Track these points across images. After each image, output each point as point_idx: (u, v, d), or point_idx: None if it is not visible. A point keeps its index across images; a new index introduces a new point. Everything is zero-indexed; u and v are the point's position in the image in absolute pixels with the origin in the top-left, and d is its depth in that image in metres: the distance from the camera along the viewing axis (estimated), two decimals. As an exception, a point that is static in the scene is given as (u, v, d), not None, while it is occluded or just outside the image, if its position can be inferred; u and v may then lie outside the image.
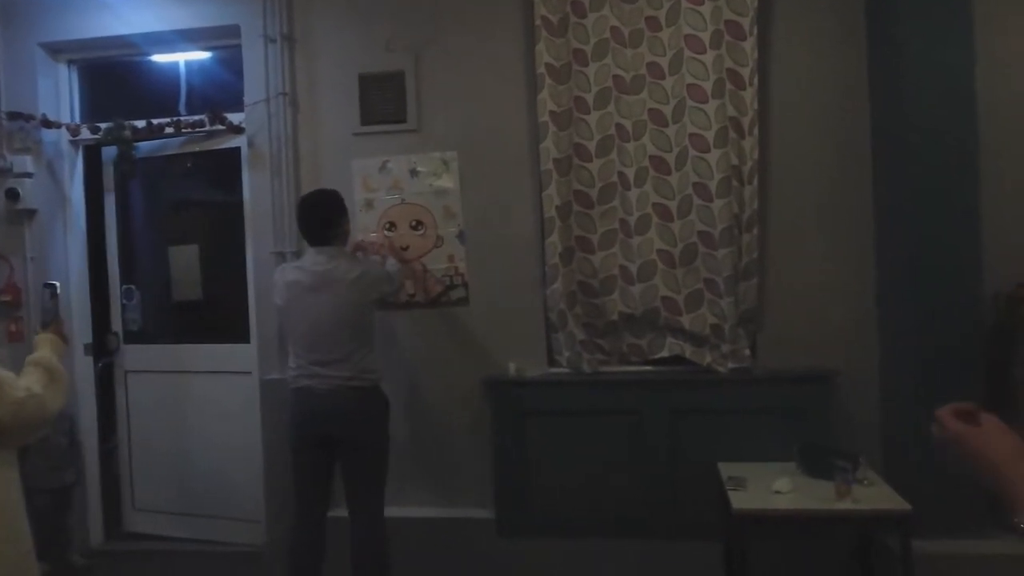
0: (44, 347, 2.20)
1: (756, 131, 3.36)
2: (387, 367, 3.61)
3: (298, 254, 3.62)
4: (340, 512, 3.20)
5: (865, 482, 2.95)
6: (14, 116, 3.92)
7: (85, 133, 4.06)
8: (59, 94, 4.11)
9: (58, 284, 2.50)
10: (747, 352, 3.43)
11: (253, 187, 3.84)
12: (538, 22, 3.46)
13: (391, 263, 3.41)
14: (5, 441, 1.95)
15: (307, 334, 3.09)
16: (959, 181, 3.07)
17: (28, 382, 2.02)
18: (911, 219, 3.14)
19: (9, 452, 1.98)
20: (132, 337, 4.24)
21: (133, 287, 4.24)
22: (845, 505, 2.80)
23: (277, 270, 3.30)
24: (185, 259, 4.20)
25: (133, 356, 4.24)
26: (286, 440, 3.23)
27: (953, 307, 3.08)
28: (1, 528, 1.92)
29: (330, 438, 3.08)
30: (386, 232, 3.67)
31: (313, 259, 3.14)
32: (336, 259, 3.12)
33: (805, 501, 2.87)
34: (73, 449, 3.89)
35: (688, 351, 3.50)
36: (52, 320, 2.36)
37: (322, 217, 3.17)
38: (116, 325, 4.24)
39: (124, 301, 4.24)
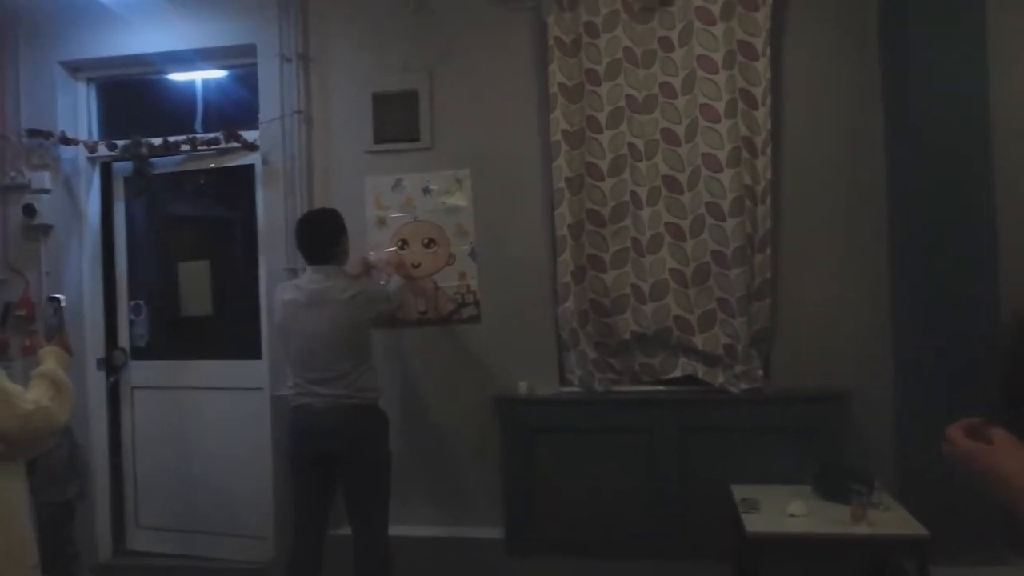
0: (49, 359, 2.21)
1: (769, 151, 3.36)
2: (396, 384, 3.63)
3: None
4: (346, 530, 3.17)
5: (881, 506, 2.90)
6: (33, 133, 3.97)
7: (102, 150, 4.10)
8: (77, 111, 4.15)
9: (62, 297, 2.54)
10: (760, 372, 3.40)
11: (266, 204, 3.87)
12: (551, 42, 3.48)
13: (395, 281, 3.41)
14: (13, 453, 1.95)
15: (303, 352, 3.08)
16: (975, 198, 3.05)
17: (36, 394, 2.03)
18: (926, 237, 3.11)
19: (17, 464, 1.99)
20: (139, 353, 4.24)
21: (141, 302, 4.24)
22: (861, 530, 2.76)
23: (277, 289, 3.30)
24: (196, 275, 4.21)
25: (140, 372, 4.23)
26: (285, 458, 3.23)
27: (969, 325, 3.04)
28: (10, 541, 1.92)
29: (329, 456, 3.06)
30: (398, 250, 3.68)
31: (310, 277, 3.14)
32: (333, 278, 3.12)
33: (820, 525, 2.84)
34: (75, 462, 3.88)
35: (701, 371, 3.48)
36: (57, 332, 2.38)
37: (321, 235, 3.16)
38: (123, 341, 4.25)
39: (132, 317, 4.25)
